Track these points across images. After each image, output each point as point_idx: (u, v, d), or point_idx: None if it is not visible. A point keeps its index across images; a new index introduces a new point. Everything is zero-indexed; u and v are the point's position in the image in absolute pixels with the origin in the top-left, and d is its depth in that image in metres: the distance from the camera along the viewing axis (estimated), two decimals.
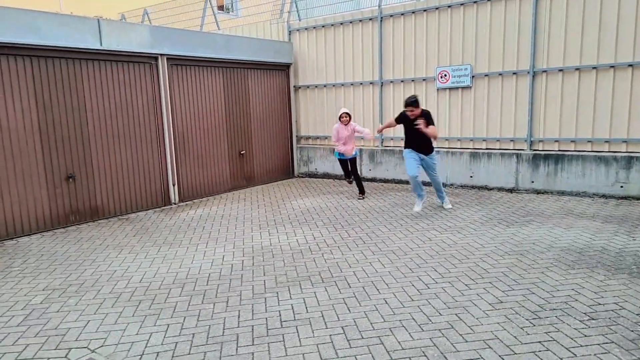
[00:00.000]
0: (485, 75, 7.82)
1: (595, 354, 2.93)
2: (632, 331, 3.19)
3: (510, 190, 7.78)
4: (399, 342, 3.17)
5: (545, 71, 7.31)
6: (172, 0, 12.88)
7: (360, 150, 9.35)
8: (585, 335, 3.15)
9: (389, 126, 6.82)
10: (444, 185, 8.40)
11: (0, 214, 5.91)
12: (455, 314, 3.52)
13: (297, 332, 3.35)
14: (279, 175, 9.97)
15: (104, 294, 4.16)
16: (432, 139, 6.32)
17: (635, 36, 6.56)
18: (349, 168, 7.87)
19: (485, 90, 7.87)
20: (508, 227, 5.74)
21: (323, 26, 9.49)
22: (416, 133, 6.14)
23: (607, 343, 3.05)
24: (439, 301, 3.75)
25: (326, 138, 9.79)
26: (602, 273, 4.18)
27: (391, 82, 8.81)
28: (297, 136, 10.33)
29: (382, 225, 6.03)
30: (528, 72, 7.43)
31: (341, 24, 9.24)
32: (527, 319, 3.40)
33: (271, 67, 9.57)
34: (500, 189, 7.88)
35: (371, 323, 3.43)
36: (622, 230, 5.42)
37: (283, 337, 3.28)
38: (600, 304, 3.60)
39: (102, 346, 3.27)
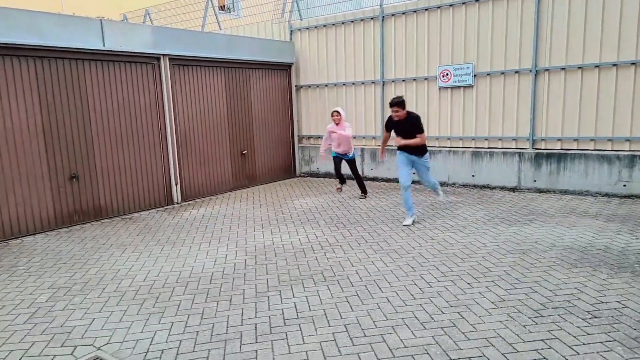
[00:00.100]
0: (487, 74, 7.82)
1: (597, 352, 2.93)
2: (635, 329, 3.19)
3: (513, 190, 7.78)
4: (401, 340, 3.18)
5: (547, 70, 7.31)
6: (174, 1, 12.92)
7: (362, 149, 9.37)
8: (588, 334, 3.16)
9: (386, 141, 6.37)
10: (445, 184, 8.41)
11: (5, 214, 5.95)
12: (458, 312, 3.53)
13: (300, 330, 3.37)
14: (280, 174, 9.99)
15: (108, 292, 4.19)
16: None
17: (638, 34, 6.55)
18: (348, 169, 7.71)
19: (487, 89, 7.87)
20: (510, 226, 5.74)
21: (324, 26, 9.50)
22: (405, 136, 5.87)
23: (609, 341, 3.06)
24: (441, 299, 3.76)
25: None
26: (604, 272, 4.19)
27: (393, 81, 8.82)
28: (298, 136, 10.35)
29: (383, 225, 6.04)
30: (530, 71, 7.43)
31: (342, 23, 9.25)
32: (529, 317, 3.41)
33: (273, 66, 9.59)
34: (502, 188, 7.88)
35: (374, 321, 3.45)
36: (625, 229, 5.41)
37: (286, 335, 3.30)
38: (603, 302, 3.60)
39: (107, 344, 3.29)
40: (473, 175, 8.16)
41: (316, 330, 3.36)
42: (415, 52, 8.48)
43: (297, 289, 4.10)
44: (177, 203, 7.92)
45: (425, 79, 8.44)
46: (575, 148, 7.25)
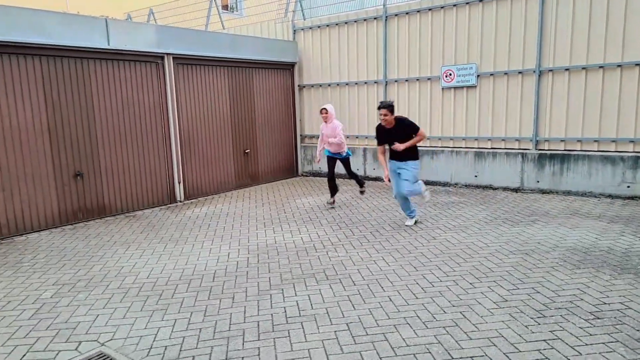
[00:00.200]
0: (491, 75, 7.81)
1: (600, 353, 2.93)
2: (638, 330, 3.19)
3: (516, 190, 7.77)
4: (403, 338, 3.19)
5: (551, 70, 7.30)
6: (177, 0, 12.95)
7: (364, 149, 9.37)
8: (591, 334, 3.16)
9: (384, 154, 5.85)
10: (448, 184, 8.41)
11: (10, 211, 5.99)
12: (460, 312, 3.53)
13: (303, 328, 3.38)
14: (283, 174, 10.01)
15: (112, 289, 4.22)
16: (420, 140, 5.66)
17: None
18: (345, 170, 7.19)
19: (490, 89, 7.86)
20: (513, 226, 5.74)
21: (328, 25, 9.51)
22: (392, 143, 5.63)
23: (612, 342, 3.06)
24: (443, 299, 3.76)
25: None
26: (608, 273, 4.18)
27: (396, 81, 8.82)
28: (301, 135, 10.36)
29: (386, 224, 6.05)
30: (534, 71, 7.42)
31: (346, 23, 9.26)
32: (532, 318, 3.41)
33: (276, 66, 9.61)
34: (505, 189, 7.87)
35: (376, 320, 3.46)
36: (629, 230, 5.40)
37: (289, 333, 3.32)
38: (605, 303, 3.60)
39: (111, 339, 3.32)
40: (476, 176, 8.15)
41: (318, 328, 3.37)
42: (419, 52, 8.48)
43: (300, 287, 4.11)
44: (180, 201, 7.95)
45: (428, 79, 8.44)
46: (579, 149, 7.24)
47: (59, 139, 6.40)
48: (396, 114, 5.66)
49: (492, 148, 8.00)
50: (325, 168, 9.93)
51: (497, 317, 3.43)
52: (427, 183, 8.63)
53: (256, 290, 4.09)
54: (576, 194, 7.25)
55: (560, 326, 3.28)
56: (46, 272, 4.69)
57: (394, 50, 8.76)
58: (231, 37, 8.74)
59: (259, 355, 3.06)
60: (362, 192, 7.49)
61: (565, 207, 6.56)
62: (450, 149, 8.37)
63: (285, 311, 3.65)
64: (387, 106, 5.54)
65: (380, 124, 5.73)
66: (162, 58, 7.53)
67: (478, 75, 7.92)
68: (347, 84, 9.46)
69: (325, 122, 6.96)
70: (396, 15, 8.61)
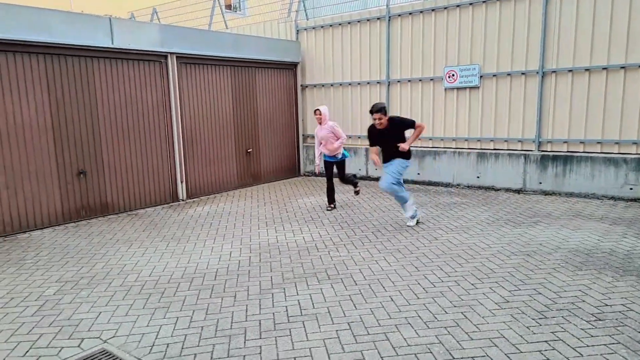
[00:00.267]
0: (494, 76, 7.81)
1: (601, 354, 2.93)
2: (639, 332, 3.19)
3: (518, 191, 7.76)
4: (404, 338, 3.20)
5: (554, 71, 7.29)
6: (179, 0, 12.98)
7: (367, 149, 9.37)
8: (592, 336, 3.16)
9: (377, 154, 5.74)
10: (450, 185, 8.41)
11: (14, 208, 6.02)
12: (461, 312, 3.54)
13: (304, 327, 3.39)
14: (285, 173, 10.02)
15: (114, 286, 4.24)
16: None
17: None
18: (338, 174, 6.88)
19: (493, 90, 7.86)
20: (515, 227, 5.73)
21: (331, 25, 9.52)
22: (387, 145, 5.53)
23: (613, 344, 3.05)
24: (444, 299, 3.77)
25: None
26: (610, 275, 4.18)
27: (398, 81, 8.82)
28: (303, 135, 10.37)
29: (387, 224, 6.05)
30: (537, 73, 7.41)
31: (349, 23, 9.26)
32: (533, 319, 3.41)
33: (279, 66, 9.62)
34: (507, 190, 7.86)
35: (377, 319, 3.46)
36: (631, 232, 5.39)
37: (290, 332, 3.33)
38: (607, 305, 3.60)
39: (113, 337, 3.33)
40: (478, 177, 8.15)
41: (320, 327, 3.38)
42: (422, 52, 8.48)
43: (301, 286, 4.12)
44: (183, 200, 7.97)
45: (431, 79, 8.44)
46: (582, 150, 7.22)
47: (62, 137, 6.43)
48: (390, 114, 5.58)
49: (494, 149, 7.99)
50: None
51: (499, 318, 3.43)
52: (429, 184, 8.64)
53: (258, 289, 4.10)
54: (579, 196, 7.24)
55: (562, 327, 3.27)
56: (49, 270, 4.71)
57: (396, 51, 8.76)
58: (234, 37, 8.76)
59: (260, 353, 3.07)
60: (356, 193, 7.23)
61: (568, 209, 6.55)
62: (452, 150, 8.36)
63: (286, 310, 3.66)
64: (380, 109, 5.42)
65: (372, 125, 5.63)
66: (166, 57, 7.55)
67: (481, 76, 7.91)
68: (349, 84, 9.47)
69: (320, 124, 6.71)
70: (399, 15, 8.62)
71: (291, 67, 9.94)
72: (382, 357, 2.98)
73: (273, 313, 3.62)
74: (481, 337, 3.18)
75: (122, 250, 5.30)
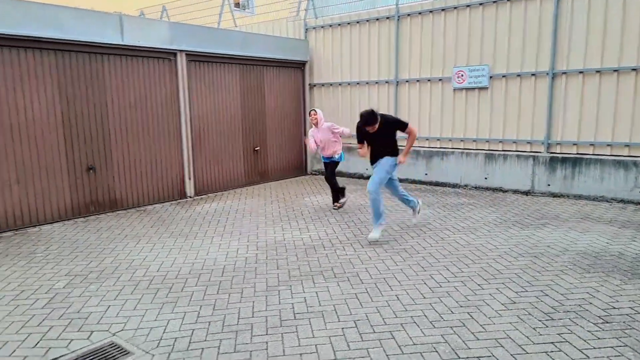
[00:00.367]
0: (503, 76, 7.76)
1: (608, 357, 2.92)
2: None
3: (526, 193, 7.72)
4: (410, 337, 3.20)
5: (565, 73, 7.23)
6: None
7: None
8: (599, 338, 3.14)
9: (365, 149, 5.45)
10: (457, 186, 8.38)
11: (24, 203, 6.10)
12: (468, 313, 3.54)
13: (310, 324, 3.41)
14: (292, 172, 10.05)
15: (123, 281, 4.29)
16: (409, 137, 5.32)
17: None
18: (327, 171, 6.79)
19: (502, 91, 7.81)
20: (523, 229, 5.71)
21: (339, 24, 9.52)
22: (375, 143, 5.27)
23: (620, 346, 3.04)
24: (451, 299, 3.77)
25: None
26: (618, 278, 4.15)
27: (407, 81, 8.80)
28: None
29: (394, 224, 6.05)
30: (547, 74, 7.36)
31: (357, 22, 9.26)
32: (540, 320, 3.40)
33: (287, 64, 9.65)
34: (515, 191, 7.82)
35: (383, 318, 3.47)
36: None
37: (296, 329, 3.35)
38: (615, 307, 3.58)
39: (122, 330, 3.38)
40: (486, 178, 8.11)
41: (326, 325, 3.40)
42: (431, 52, 8.45)
43: (307, 284, 4.14)
44: (190, 197, 8.02)
45: (440, 79, 8.41)
46: (591, 153, 7.16)
47: (72, 133, 6.50)
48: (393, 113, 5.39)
49: (503, 150, 7.95)
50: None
51: (505, 319, 3.43)
52: (436, 184, 8.62)
53: (264, 286, 4.13)
54: (587, 198, 7.18)
55: (569, 329, 3.26)
56: (59, 263, 4.78)
57: (405, 51, 8.75)
58: (243, 35, 8.79)
59: (267, 349, 3.09)
60: (336, 207, 6.81)
61: (576, 211, 6.50)
62: (460, 151, 8.33)
63: (293, 307, 3.68)
64: (370, 121, 4.99)
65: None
66: (175, 55, 7.60)
67: (490, 77, 7.87)
68: (357, 84, 9.47)
69: (316, 126, 6.59)
70: (408, 15, 8.59)
71: (299, 66, 9.96)
72: (387, 356, 2.99)
73: (279, 310, 3.64)
74: (487, 338, 3.18)
75: (130, 245, 5.36)
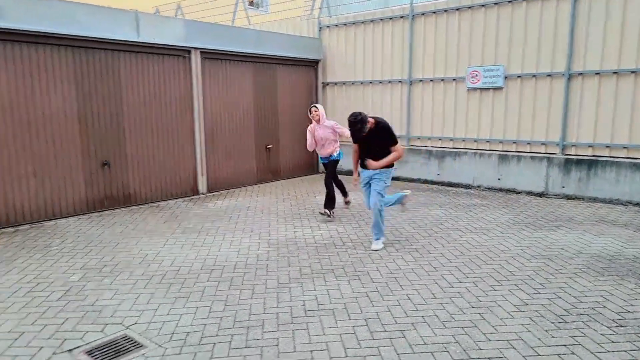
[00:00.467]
0: (518, 77, 7.68)
1: None
2: None
3: (540, 195, 7.63)
4: (421, 337, 3.20)
5: (581, 74, 7.12)
6: None
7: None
8: (613, 342, 3.10)
9: (358, 156, 5.20)
10: (470, 187, 8.31)
11: (40, 197, 6.22)
12: (479, 314, 3.51)
13: (321, 321, 3.43)
14: (304, 170, 10.06)
15: (136, 275, 4.35)
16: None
17: None
18: (327, 171, 6.45)
19: (517, 91, 7.73)
20: (536, 231, 5.65)
21: (353, 23, 9.50)
22: (366, 146, 5.02)
23: (635, 350, 3.00)
24: (462, 300, 3.75)
25: None
26: (632, 281, 4.08)
27: (420, 81, 8.76)
28: None
29: (405, 224, 6.03)
30: (563, 75, 7.26)
31: (371, 21, 9.23)
32: (552, 322, 3.37)
33: (300, 62, 9.66)
34: (529, 193, 7.74)
35: (394, 317, 3.47)
36: None
37: (307, 326, 3.36)
38: (629, 311, 3.52)
39: (135, 324, 3.43)
40: (499, 179, 8.03)
41: (336, 322, 3.41)
42: (445, 52, 8.39)
43: (319, 282, 4.16)
44: (203, 194, 8.10)
45: (454, 79, 8.35)
46: (607, 155, 7.05)
47: (88, 128, 6.60)
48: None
49: (517, 151, 7.87)
50: (347, 166, 9.83)
51: (517, 320, 3.40)
52: (448, 185, 8.56)
53: (276, 282, 4.16)
54: (603, 201, 7.07)
55: (582, 332, 3.23)
56: (73, 257, 4.87)
57: (419, 50, 8.70)
58: (257, 33, 8.83)
59: (277, 345, 3.11)
60: (324, 214, 6.19)
61: (591, 214, 6.41)
62: (473, 151, 8.27)
63: (304, 304, 3.70)
64: (359, 129, 4.78)
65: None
66: (189, 52, 7.67)
67: (505, 77, 7.79)
68: (371, 83, 9.44)
69: (317, 122, 6.16)
70: (423, 14, 8.55)
71: (312, 64, 9.97)
72: (398, 354, 2.99)
73: (290, 307, 3.66)
74: (499, 339, 3.16)
75: (143, 240, 5.43)
